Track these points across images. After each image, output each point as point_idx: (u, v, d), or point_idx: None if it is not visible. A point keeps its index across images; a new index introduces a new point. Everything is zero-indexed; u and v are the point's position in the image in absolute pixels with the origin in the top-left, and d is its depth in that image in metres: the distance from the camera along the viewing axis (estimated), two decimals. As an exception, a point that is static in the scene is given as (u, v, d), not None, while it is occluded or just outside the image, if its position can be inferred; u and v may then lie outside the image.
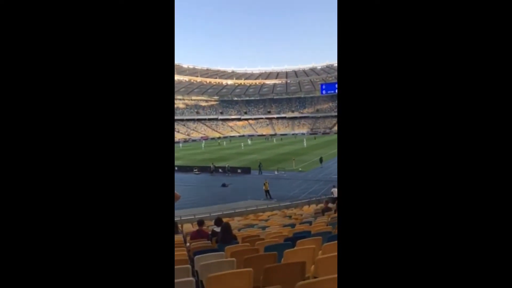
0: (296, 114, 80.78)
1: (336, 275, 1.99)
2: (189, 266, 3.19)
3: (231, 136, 69.25)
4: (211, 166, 25.79)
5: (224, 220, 6.19)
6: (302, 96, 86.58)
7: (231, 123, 79.76)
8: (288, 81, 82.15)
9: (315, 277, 2.65)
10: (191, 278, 2.58)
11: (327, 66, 72.98)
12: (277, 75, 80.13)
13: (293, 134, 68.89)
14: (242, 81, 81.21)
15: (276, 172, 23.79)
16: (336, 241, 3.65)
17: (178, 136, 63.27)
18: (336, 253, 2.90)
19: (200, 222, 6.27)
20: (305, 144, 43.45)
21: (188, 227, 9.14)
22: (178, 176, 24.06)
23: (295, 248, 3.63)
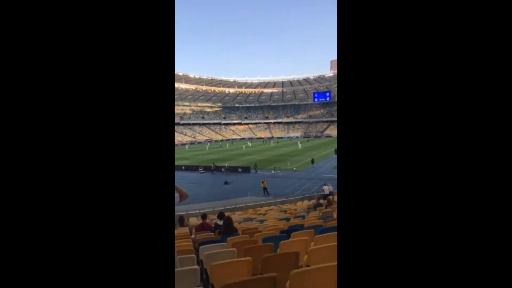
0: (291, 119, 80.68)
1: (326, 264, 1.98)
2: (194, 255, 3.18)
3: (232, 139, 69.10)
4: (212, 166, 25.74)
5: (226, 214, 6.17)
6: (297, 103, 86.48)
7: (232, 127, 79.63)
8: (284, 90, 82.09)
9: (307, 266, 2.64)
10: (196, 267, 2.57)
11: (319, 77, 72.99)
12: (274, 84, 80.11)
13: (288, 137, 68.69)
14: (243, 90, 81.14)
15: (273, 171, 23.72)
16: (327, 234, 3.64)
17: (185, 139, 63.08)
18: (326, 244, 2.89)
19: (204, 216, 6.26)
20: (300, 146, 43.37)
21: (194, 221, 9.11)
22: (185, 174, 24.01)
23: (290, 239, 3.62)
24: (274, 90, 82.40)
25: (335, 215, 6.25)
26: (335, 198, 11.66)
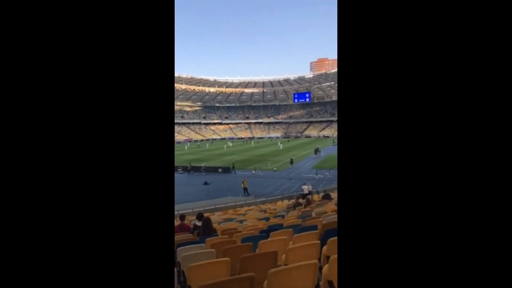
0: (271, 120, 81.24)
1: (303, 262, 2.01)
2: (171, 257, 3.11)
3: (213, 139, 68.52)
4: (188, 166, 25.56)
5: (206, 215, 6.10)
6: (277, 103, 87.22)
7: (213, 127, 78.98)
8: (265, 90, 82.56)
9: (286, 265, 2.67)
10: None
11: (299, 78, 74.09)
12: (255, 84, 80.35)
13: (269, 138, 69.10)
14: (223, 89, 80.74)
15: (253, 171, 23.76)
16: (305, 232, 3.70)
17: (164, 138, 61.63)
18: (304, 243, 2.93)
19: (182, 217, 6.16)
20: (281, 146, 43.72)
21: (172, 222, 8.92)
22: (163, 175, 23.41)
23: (269, 239, 3.64)
24: (255, 90, 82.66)
25: (313, 214, 6.36)
26: (314, 197, 11.86)
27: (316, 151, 32.62)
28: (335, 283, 2.05)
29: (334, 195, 11.66)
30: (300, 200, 9.95)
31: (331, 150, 36.34)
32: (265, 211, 9.57)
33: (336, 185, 16.90)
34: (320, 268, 2.31)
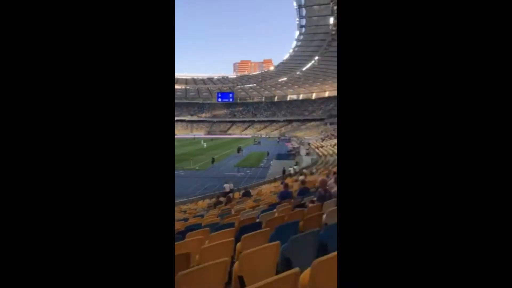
0: (194, 118, 79.46)
1: (215, 261, 1.98)
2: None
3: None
4: None
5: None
6: (200, 102, 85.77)
7: (130, 124, 72.74)
8: (188, 87, 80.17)
9: (199, 265, 2.59)
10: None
11: (223, 77, 74.39)
12: (177, 80, 77.19)
13: (193, 137, 67.31)
14: (142, 84, 75.08)
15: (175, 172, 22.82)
16: (222, 230, 3.69)
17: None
18: (220, 241, 2.92)
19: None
20: (204, 145, 43.06)
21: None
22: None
23: (184, 240, 3.51)
24: (177, 86, 79.38)
25: (233, 211, 6.44)
26: (235, 195, 12.07)
27: (239, 149, 33.33)
28: (246, 279, 2.08)
29: (254, 192, 12.09)
30: (221, 199, 10.00)
31: (252, 149, 37.63)
32: (185, 212, 9.28)
33: (257, 182, 17.60)
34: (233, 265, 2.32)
